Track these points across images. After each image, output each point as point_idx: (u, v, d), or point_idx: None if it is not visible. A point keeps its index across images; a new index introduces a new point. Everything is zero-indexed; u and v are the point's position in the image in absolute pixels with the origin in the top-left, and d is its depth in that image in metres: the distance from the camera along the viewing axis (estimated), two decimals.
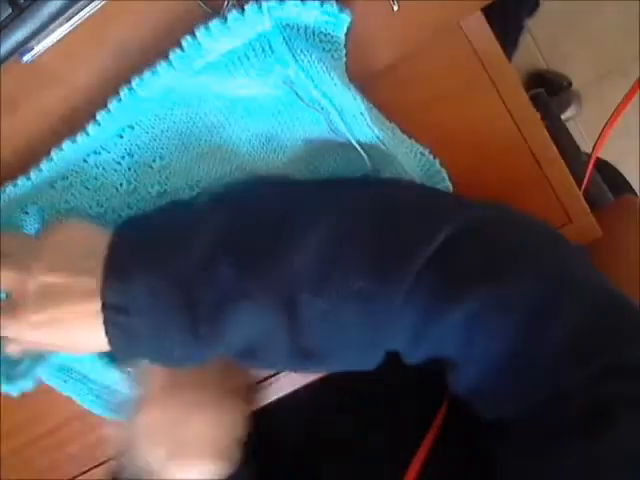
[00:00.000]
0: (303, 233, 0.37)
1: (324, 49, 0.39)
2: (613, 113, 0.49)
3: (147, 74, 0.39)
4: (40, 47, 0.42)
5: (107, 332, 0.36)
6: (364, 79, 0.41)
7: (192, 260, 0.36)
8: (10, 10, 0.40)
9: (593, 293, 0.36)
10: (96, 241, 0.38)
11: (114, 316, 0.36)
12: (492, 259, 0.36)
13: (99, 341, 0.37)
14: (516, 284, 0.35)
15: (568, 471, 0.33)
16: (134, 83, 0.39)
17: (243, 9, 0.37)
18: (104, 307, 0.36)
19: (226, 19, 0.37)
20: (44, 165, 0.42)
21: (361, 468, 0.46)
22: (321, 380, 0.48)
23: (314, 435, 0.52)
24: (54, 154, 0.41)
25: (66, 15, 0.41)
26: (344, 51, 0.40)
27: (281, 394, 0.49)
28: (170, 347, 0.36)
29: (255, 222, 0.38)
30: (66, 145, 0.41)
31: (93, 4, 0.41)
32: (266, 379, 0.49)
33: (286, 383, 0.48)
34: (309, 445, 0.52)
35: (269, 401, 0.49)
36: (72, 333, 0.37)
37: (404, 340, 0.37)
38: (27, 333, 0.37)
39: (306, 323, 0.36)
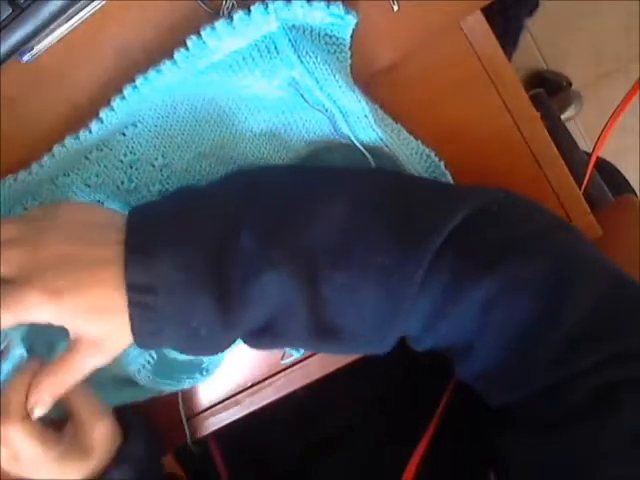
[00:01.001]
0: (323, 206, 0.36)
1: (329, 51, 0.39)
2: (613, 114, 0.49)
3: (151, 73, 0.39)
4: (40, 47, 0.42)
5: (131, 316, 0.34)
6: (364, 79, 0.41)
7: (213, 233, 0.35)
8: (10, 10, 0.40)
9: (604, 277, 0.36)
10: (110, 219, 0.37)
11: (139, 296, 0.34)
12: (511, 240, 0.36)
13: (119, 329, 0.34)
14: (534, 265, 0.35)
15: (572, 456, 0.33)
16: (138, 81, 0.39)
17: (249, 9, 0.37)
18: (128, 288, 0.34)
19: (232, 19, 0.37)
20: (45, 160, 0.41)
21: (362, 463, 0.47)
22: (319, 380, 0.48)
23: (313, 433, 0.52)
24: (56, 149, 0.41)
25: (66, 15, 0.41)
26: (349, 53, 0.40)
27: (280, 394, 0.49)
28: (197, 327, 0.35)
29: (274, 195, 0.38)
30: (68, 141, 0.41)
31: (93, 4, 0.41)
32: (265, 379, 0.49)
33: (286, 383, 0.48)
34: (309, 443, 0.52)
35: (268, 401, 0.49)
36: (95, 310, 0.34)
37: (421, 321, 0.36)
38: (47, 307, 0.33)
39: (326, 296, 0.35)
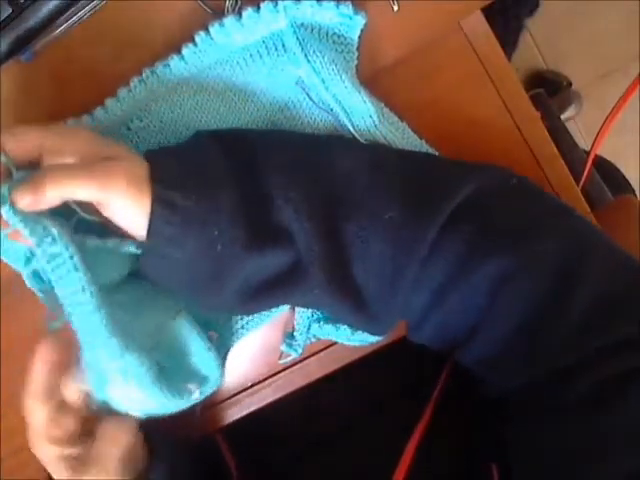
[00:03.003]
0: (337, 159, 0.37)
1: (337, 50, 0.39)
2: (613, 109, 0.49)
3: (159, 67, 0.39)
4: (40, 47, 0.42)
5: (153, 213, 0.33)
6: (364, 79, 0.41)
7: (233, 164, 0.35)
8: (10, 10, 0.40)
9: (617, 262, 0.36)
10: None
11: (166, 193, 0.33)
12: (529, 217, 0.36)
13: (137, 225, 0.34)
14: (552, 245, 0.35)
15: (575, 447, 0.33)
16: (145, 74, 0.39)
17: (258, 6, 0.37)
18: (155, 181, 0.33)
19: (241, 15, 0.37)
20: None
21: (362, 462, 0.46)
22: (319, 380, 0.48)
23: (313, 432, 0.52)
24: None
25: (66, 15, 0.41)
26: (356, 53, 0.40)
27: (280, 394, 0.49)
28: (217, 237, 0.33)
29: (291, 143, 0.38)
30: (70, 124, 0.41)
31: (93, 4, 0.41)
32: (265, 379, 0.49)
33: (286, 383, 0.48)
34: (309, 443, 0.52)
35: (268, 401, 0.49)
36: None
37: (430, 293, 0.36)
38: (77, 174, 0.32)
39: (340, 244, 0.35)
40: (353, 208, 0.35)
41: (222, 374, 0.42)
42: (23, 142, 0.33)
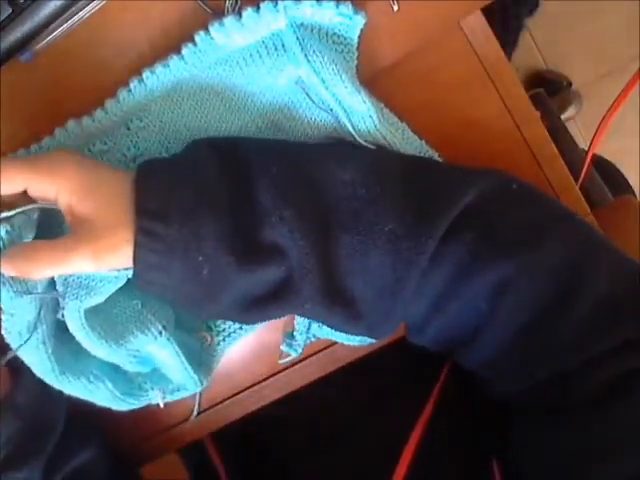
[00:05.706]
0: (336, 171, 0.36)
1: (337, 50, 0.39)
2: (613, 104, 0.49)
3: (158, 67, 0.39)
4: (40, 47, 0.42)
5: (136, 243, 0.33)
6: (364, 79, 0.41)
7: (228, 181, 0.35)
8: (10, 10, 0.40)
9: (618, 264, 0.36)
10: (118, 173, 0.36)
11: (149, 223, 0.33)
12: (529, 223, 0.36)
13: (121, 259, 0.34)
14: (553, 250, 0.35)
15: (575, 446, 0.33)
16: (145, 75, 0.39)
17: (258, 6, 0.37)
18: (138, 213, 0.33)
19: (240, 15, 0.37)
20: (46, 142, 0.41)
21: (361, 462, 0.46)
22: (318, 380, 0.48)
23: (313, 432, 0.52)
24: (58, 133, 0.41)
25: (65, 15, 0.41)
26: (356, 53, 0.40)
27: (280, 394, 0.49)
28: (202, 262, 0.34)
29: (288, 156, 0.38)
30: (70, 126, 0.41)
31: (93, 4, 0.41)
32: (265, 379, 0.49)
33: (285, 383, 0.48)
34: (307, 442, 0.52)
35: (268, 401, 0.49)
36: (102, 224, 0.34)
37: (430, 300, 0.36)
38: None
39: (336, 257, 0.35)
40: (352, 220, 0.35)
41: (199, 386, 0.44)
42: (7, 185, 0.34)
